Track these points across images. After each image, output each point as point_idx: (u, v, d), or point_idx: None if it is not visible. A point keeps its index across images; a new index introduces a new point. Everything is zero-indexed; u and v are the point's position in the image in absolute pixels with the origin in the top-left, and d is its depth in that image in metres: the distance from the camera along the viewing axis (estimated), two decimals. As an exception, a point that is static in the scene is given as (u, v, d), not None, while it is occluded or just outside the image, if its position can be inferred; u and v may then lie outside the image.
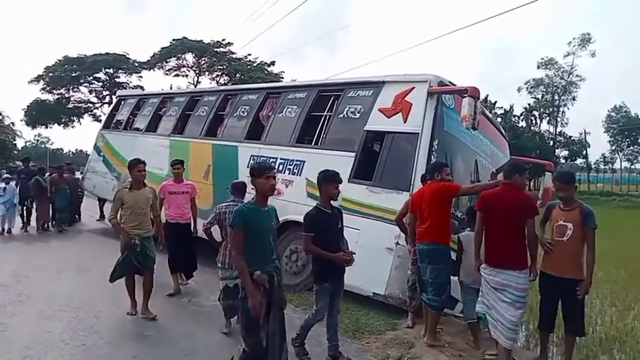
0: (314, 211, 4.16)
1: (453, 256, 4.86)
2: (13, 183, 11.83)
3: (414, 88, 6.12)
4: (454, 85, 6.15)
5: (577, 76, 52.87)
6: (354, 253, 4.17)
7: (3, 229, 10.90)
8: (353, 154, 6.38)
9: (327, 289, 4.09)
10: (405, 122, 6.06)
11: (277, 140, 7.61)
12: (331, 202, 4.17)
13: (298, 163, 7.05)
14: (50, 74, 37.94)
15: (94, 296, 5.93)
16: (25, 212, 11.49)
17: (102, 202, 13.42)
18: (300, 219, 6.61)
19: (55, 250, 9.19)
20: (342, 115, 6.88)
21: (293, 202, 6.82)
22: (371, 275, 5.64)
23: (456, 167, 6.20)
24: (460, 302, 5.20)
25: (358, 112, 6.68)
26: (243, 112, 8.64)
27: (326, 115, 7.19)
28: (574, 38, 51.29)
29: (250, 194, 6.32)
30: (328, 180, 4.11)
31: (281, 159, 7.28)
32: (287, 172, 7.11)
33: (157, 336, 4.72)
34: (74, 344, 4.37)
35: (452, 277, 4.79)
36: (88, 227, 12.48)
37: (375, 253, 5.66)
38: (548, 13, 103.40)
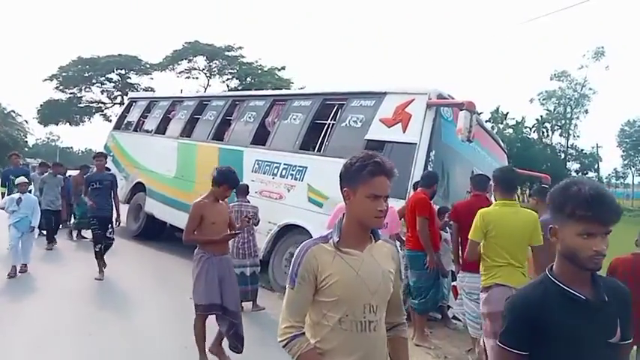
0: (537, 289, 1.54)
1: None
2: (31, 191, 8.81)
3: (414, 99, 6.34)
4: (453, 98, 6.36)
5: (590, 89, 52.79)
6: None
7: (14, 267, 6.70)
8: (353, 162, 6.59)
9: None
10: (404, 132, 6.28)
11: (281, 146, 7.84)
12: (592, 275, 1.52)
13: (301, 168, 7.28)
14: (64, 74, 38.59)
15: (102, 290, 6.20)
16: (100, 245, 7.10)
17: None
18: (300, 223, 6.97)
19: (68, 249, 9.45)
20: (344, 124, 7.11)
21: (294, 206, 7.05)
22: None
23: (452, 178, 6.43)
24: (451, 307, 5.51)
25: (360, 121, 6.90)
26: (249, 117, 8.89)
27: (329, 124, 7.43)
28: (588, 51, 51.21)
29: (253, 197, 6.64)
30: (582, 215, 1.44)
31: (284, 164, 7.52)
32: (290, 177, 7.34)
33: (159, 329, 4.98)
34: (81, 333, 4.66)
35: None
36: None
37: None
38: (565, 25, 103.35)
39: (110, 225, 7.20)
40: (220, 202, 4.07)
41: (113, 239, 7.31)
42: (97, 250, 7.00)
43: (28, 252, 7.06)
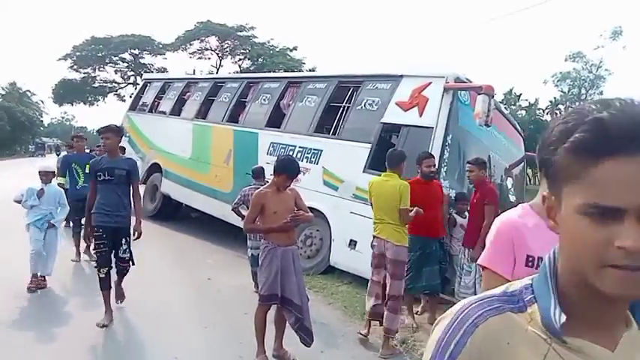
0: None
1: None
2: (54, 182, 6.03)
3: (430, 83, 6.29)
4: (471, 81, 6.30)
5: (606, 69, 51.44)
6: None
7: (35, 278, 5.30)
8: (369, 145, 6.60)
9: None
10: (420, 116, 6.24)
11: (296, 129, 7.85)
12: None
13: (316, 151, 7.30)
14: (78, 53, 38.73)
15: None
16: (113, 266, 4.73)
17: None
18: (316, 206, 7.01)
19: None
20: (360, 107, 7.09)
21: (309, 189, 7.09)
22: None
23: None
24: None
25: (376, 105, 6.88)
26: (264, 99, 8.89)
27: (344, 106, 7.40)
28: (605, 31, 49.72)
29: (269, 180, 6.69)
30: None
31: (299, 147, 7.54)
32: (305, 160, 7.36)
33: (177, 309, 5.11)
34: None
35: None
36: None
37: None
38: (581, 4, 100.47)
39: (125, 239, 4.66)
40: (283, 191, 3.90)
41: (129, 261, 4.72)
42: (102, 276, 4.48)
43: (50, 260, 5.43)
